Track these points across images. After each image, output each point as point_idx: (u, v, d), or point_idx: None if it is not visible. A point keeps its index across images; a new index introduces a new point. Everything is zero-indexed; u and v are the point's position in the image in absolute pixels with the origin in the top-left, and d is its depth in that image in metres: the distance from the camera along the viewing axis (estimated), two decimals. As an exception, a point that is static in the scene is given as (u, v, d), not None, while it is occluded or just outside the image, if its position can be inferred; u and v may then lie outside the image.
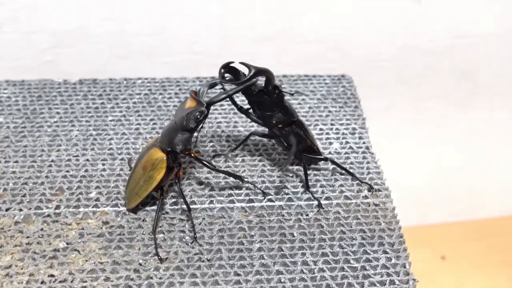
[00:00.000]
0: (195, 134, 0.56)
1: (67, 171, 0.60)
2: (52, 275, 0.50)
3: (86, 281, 0.50)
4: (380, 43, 1.03)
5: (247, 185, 0.58)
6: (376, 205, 0.57)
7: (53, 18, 0.90)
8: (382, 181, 0.60)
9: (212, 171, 0.58)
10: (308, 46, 1.02)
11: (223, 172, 0.58)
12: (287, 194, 0.58)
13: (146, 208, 0.56)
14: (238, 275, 0.51)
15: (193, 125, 0.53)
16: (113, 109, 0.68)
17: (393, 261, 0.52)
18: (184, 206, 0.56)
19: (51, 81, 0.71)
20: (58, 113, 0.67)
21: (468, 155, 1.19)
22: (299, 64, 1.01)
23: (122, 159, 0.62)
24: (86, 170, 0.60)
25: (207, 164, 0.56)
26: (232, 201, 0.57)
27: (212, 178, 0.59)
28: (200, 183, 0.59)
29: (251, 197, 0.57)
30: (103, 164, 0.61)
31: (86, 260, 0.52)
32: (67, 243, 0.53)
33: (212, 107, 0.56)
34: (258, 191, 0.58)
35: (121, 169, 0.60)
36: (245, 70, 0.54)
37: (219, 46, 1.01)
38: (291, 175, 0.60)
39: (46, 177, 0.59)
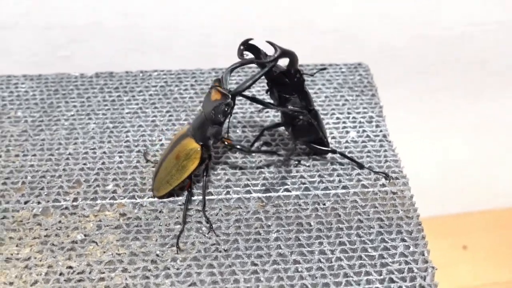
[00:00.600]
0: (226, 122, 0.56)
1: (84, 164, 0.60)
2: (70, 267, 0.51)
3: (104, 272, 0.50)
4: (393, 32, 1.03)
5: (280, 159, 0.59)
6: (394, 193, 0.57)
7: (68, 13, 0.91)
8: (400, 169, 0.59)
9: (246, 154, 0.59)
10: (322, 36, 1.02)
11: (258, 151, 0.58)
12: (304, 183, 0.58)
13: (163, 199, 0.56)
14: (255, 265, 0.51)
15: (222, 119, 0.54)
16: (129, 102, 0.68)
17: (411, 249, 0.52)
18: (199, 197, 0.56)
19: (67, 75, 0.71)
20: (75, 106, 0.67)
21: (483, 145, 1.18)
22: (314, 55, 1.00)
23: (138, 151, 0.62)
24: (103, 163, 0.60)
25: (242, 148, 0.56)
26: (248, 192, 0.57)
27: (228, 169, 0.59)
28: (217, 174, 0.59)
29: (267, 187, 0.57)
30: (120, 157, 0.61)
31: (104, 252, 0.52)
32: (85, 235, 0.53)
33: None
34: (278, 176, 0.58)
35: (138, 161, 0.60)
36: (268, 49, 0.54)
37: (233, 38, 1.00)
38: (307, 164, 0.60)
39: (64, 170, 0.60)
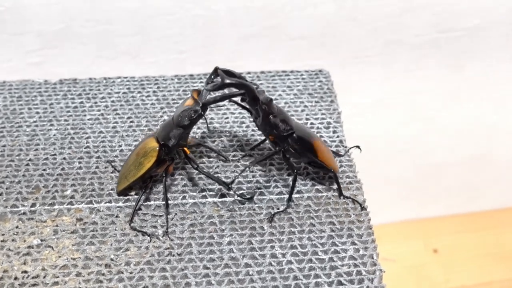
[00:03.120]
0: (203, 130, 0.59)
1: (44, 170, 0.61)
2: (25, 271, 0.51)
3: (58, 277, 0.51)
4: (365, 39, 1.04)
5: (231, 192, 0.58)
6: (347, 197, 0.58)
7: (39, 19, 0.91)
8: (354, 174, 0.60)
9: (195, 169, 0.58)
10: (293, 43, 1.03)
11: (206, 174, 0.57)
12: (259, 188, 0.59)
13: (120, 204, 0.57)
14: (207, 268, 0.51)
15: (187, 123, 0.56)
16: (91, 108, 0.69)
17: (361, 252, 0.53)
18: (158, 202, 0.57)
19: (31, 82, 0.72)
20: (37, 112, 0.68)
21: (459, 149, 1.19)
22: (285, 61, 1.01)
23: (98, 157, 0.62)
24: (63, 169, 0.61)
25: (193, 163, 0.57)
26: (204, 196, 0.58)
27: (185, 174, 0.60)
28: (174, 179, 0.60)
29: (223, 192, 0.58)
30: (80, 162, 0.62)
31: (59, 256, 0.53)
32: (41, 240, 0.54)
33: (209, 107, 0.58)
34: (240, 197, 0.58)
35: (97, 167, 0.61)
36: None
37: (203, 45, 1.02)
38: (264, 169, 0.61)
39: (23, 175, 0.60)
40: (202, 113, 0.56)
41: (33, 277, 0.51)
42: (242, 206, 0.57)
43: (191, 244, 0.53)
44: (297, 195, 0.58)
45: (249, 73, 0.74)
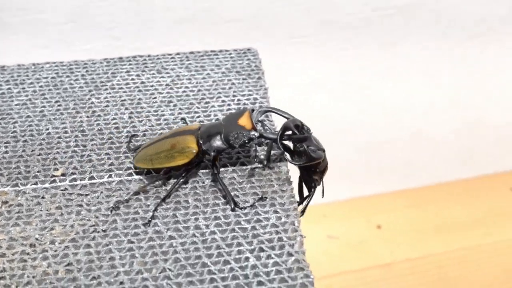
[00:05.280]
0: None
1: (-30, 156, 0.61)
2: (-51, 255, 0.51)
3: (-18, 258, 0.51)
4: (299, 20, 1.05)
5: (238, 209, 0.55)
6: (271, 168, 0.59)
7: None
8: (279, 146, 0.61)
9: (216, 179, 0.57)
10: (228, 25, 1.04)
11: (223, 186, 0.56)
12: (186, 164, 0.59)
13: (46, 185, 0.57)
14: (132, 242, 0.52)
15: (236, 145, 0.55)
16: (19, 94, 0.68)
17: (283, 220, 0.54)
18: (84, 182, 0.57)
19: (-42, 71, 0.72)
20: (-36, 100, 0.68)
21: (396, 126, 1.22)
22: (220, 44, 1.02)
23: (25, 141, 0.62)
24: (-11, 154, 0.61)
25: (215, 169, 0.56)
26: (130, 174, 0.59)
27: (112, 154, 0.61)
28: (100, 159, 0.60)
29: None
30: (6, 147, 0.62)
31: (-16, 239, 0.53)
32: (-34, 224, 0.54)
33: None
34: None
35: (24, 151, 0.61)
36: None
37: (138, 30, 1.02)
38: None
39: (-51, 162, 0.60)
40: (254, 142, 0.55)
41: (-43, 260, 0.51)
42: (168, 182, 0.58)
43: (116, 220, 0.54)
44: (223, 169, 0.59)
45: (178, 53, 0.74)
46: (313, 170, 0.57)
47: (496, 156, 1.28)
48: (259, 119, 0.58)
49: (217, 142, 0.56)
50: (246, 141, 0.55)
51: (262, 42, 1.08)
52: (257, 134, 0.55)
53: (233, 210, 0.54)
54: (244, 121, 0.55)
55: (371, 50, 1.12)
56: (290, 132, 0.55)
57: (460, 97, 1.20)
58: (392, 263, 1.14)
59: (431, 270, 1.13)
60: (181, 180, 0.56)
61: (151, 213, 0.54)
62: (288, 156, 0.57)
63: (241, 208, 0.54)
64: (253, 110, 0.57)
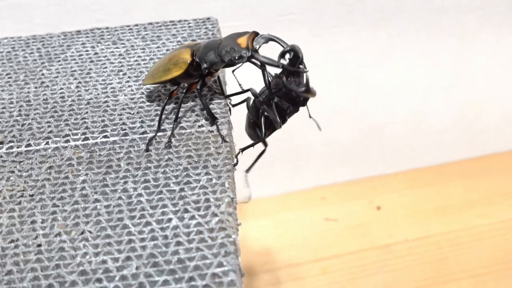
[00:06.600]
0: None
1: None
2: None
3: None
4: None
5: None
6: (210, 131, 0.57)
7: None
8: (222, 110, 0.59)
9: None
10: (215, 4, 1.02)
11: (204, 103, 0.57)
12: (124, 130, 0.58)
13: (-18, 154, 0.57)
14: (56, 206, 0.51)
15: (226, 59, 0.55)
16: (-27, 68, 0.68)
17: (213, 181, 0.52)
18: (20, 149, 0.56)
19: None
20: None
21: (395, 107, 1.18)
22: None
23: (-29, 112, 0.62)
24: None
25: (200, 87, 0.57)
26: (67, 141, 0.57)
27: (53, 122, 0.60)
28: (41, 127, 0.59)
29: (87, 136, 0.58)
30: (-49, 118, 0.61)
31: None
32: None
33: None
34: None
35: (-33, 121, 0.61)
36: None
37: (122, 12, 1.01)
38: (132, 112, 0.60)
39: None
40: (244, 61, 0.55)
41: None
42: (103, 147, 0.56)
43: (44, 185, 0.53)
44: (161, 133, 0.57)
45: (136, 25, 0.73)
46: (297, 102, 0.57)
47: (496, 137, 1.24)
48: (260, 44, 0.56)
49: (211, 56, 0.56)
50: (236, 57, 0.54)
51: (248, 20, 1.06)
52: (248, 54, 0.54)
53: (212, 124, 0.56)
54: (242, 40, 0.55)
55: (365, 28, 1.09)
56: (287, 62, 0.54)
57: (460, 77, 1.16)
58: (391, 244, 1.11)
59: (430, 251, 1.09)
60: (182, 96, 0.57)
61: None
62: (284, 78, 0.56)
63: (218, 125, 0.56)
64: (256, 34, 0.55)
